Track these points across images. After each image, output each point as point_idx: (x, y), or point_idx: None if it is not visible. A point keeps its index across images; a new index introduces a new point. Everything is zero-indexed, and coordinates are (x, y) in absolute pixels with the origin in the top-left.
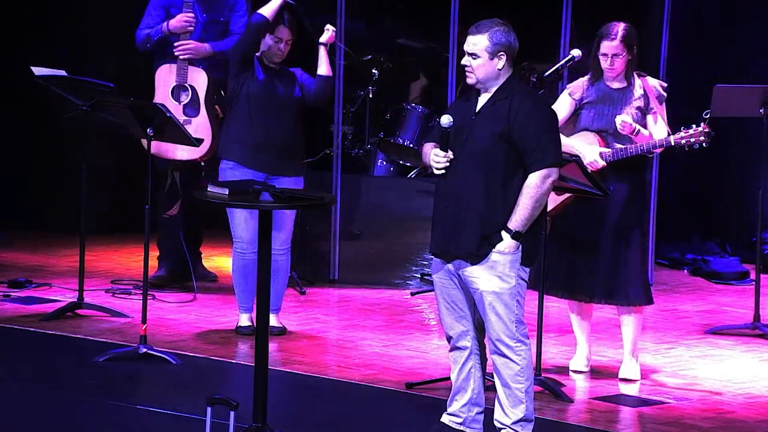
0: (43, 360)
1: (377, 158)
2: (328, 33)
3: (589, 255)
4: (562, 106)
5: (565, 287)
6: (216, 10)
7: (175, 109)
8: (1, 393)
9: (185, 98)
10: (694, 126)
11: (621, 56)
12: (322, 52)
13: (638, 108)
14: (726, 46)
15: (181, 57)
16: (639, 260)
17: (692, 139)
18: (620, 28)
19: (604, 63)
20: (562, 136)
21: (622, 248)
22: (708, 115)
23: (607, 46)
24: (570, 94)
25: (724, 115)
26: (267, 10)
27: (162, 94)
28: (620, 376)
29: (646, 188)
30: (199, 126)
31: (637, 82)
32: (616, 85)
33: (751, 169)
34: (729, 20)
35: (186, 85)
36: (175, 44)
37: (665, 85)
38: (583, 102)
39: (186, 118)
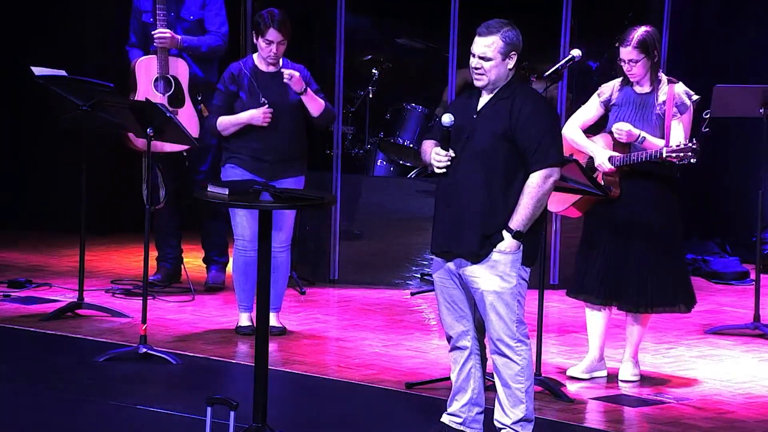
0: (43, 360)
1: (377, 158)
2: (292, 82)
3: (601, 257)
4: (590, 107)
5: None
6: (183, 8)
7: (160, 101)
8: (1, 393)
9: (169, 90)
10: (685, 142)
11: (638, 61)
12: (305, 99)
13: (657, 115)
14: (726, 46)
15: (159, 46)
16: (651, 264)
17: (681, 154)
18: (636, 33)
19: (625, 68)
20: (580, 136)
21: (634, 251)
22: (708, 115)
23: (622, 52)
24: (598, 95)
25: (724, 115)
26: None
27: (144, 87)
28: (620, 377)
29: (670, 194)
30: (187, 117)
31: (664, 87)
32: (640, 89)
33: (751, 169)
34: (729, 20)
35: (168, 76)
36: (154, 34)
37: (692, 93)
38: (611, 104)
39: (173, 109)
